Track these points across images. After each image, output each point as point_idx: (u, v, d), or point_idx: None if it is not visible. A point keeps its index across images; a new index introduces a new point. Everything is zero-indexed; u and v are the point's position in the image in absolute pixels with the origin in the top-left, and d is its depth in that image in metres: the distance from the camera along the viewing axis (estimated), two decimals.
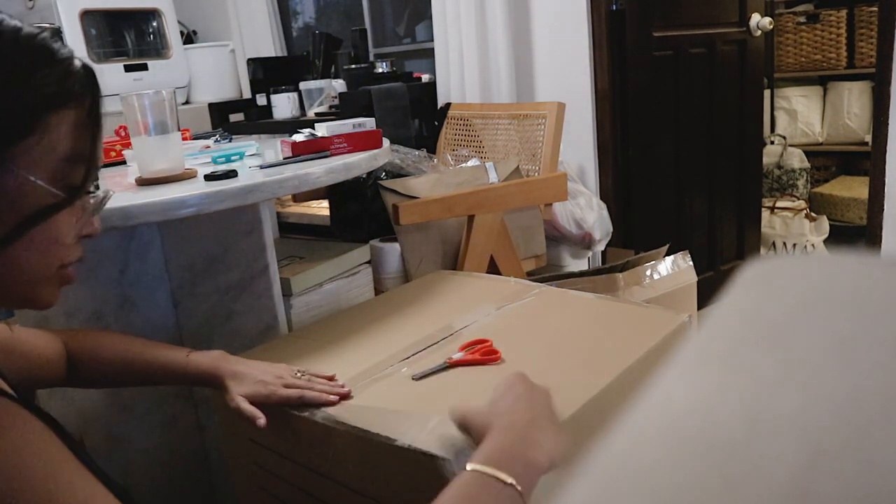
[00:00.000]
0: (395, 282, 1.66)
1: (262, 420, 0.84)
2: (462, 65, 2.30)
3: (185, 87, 2.91)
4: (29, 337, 0.85)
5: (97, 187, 0.70)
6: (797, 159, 3.17)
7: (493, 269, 1.73)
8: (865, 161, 2.71)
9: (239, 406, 0.84)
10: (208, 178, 1.07)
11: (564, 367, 0.93)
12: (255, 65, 2.71)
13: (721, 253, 2.47)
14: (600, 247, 2.10)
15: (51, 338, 0.88)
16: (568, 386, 0.87)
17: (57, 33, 0.64)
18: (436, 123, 2.31)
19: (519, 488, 0.58)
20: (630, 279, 1.51)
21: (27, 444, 0.53)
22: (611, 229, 2.10)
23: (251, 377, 0.87)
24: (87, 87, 0.62)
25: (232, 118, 2.74)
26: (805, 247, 2.77)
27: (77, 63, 0.62)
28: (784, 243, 2.80)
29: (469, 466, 0.60)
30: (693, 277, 1.57)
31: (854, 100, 3.19)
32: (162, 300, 1.25)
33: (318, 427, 0.84)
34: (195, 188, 1.01)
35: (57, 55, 0.61)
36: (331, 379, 0.89)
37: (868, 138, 2.96)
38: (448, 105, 2.31)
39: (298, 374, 0.89)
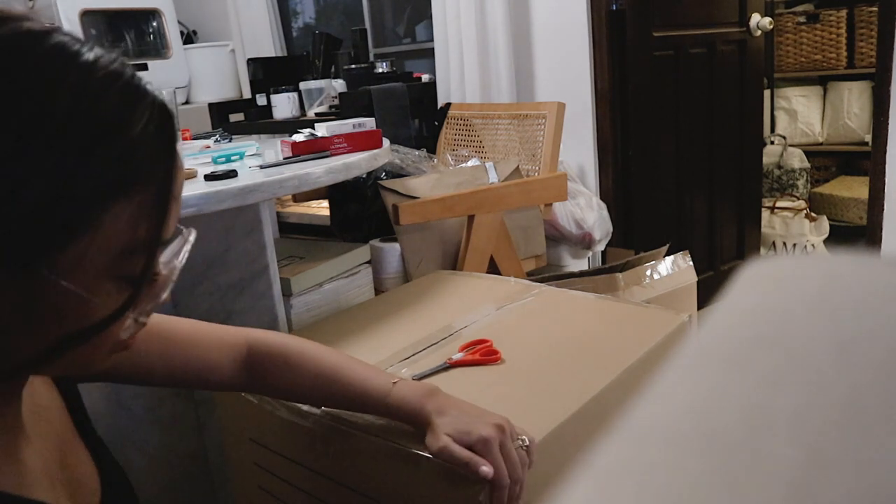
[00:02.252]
0: (395, 282, 1.66)
1: (486, 468, 0.64)
2: (462, 65, 2.30)
3: (185, 87, 2.91)
4: (199, 333, 0.72)
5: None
6: (797, 159, 3.17)
7: (493, 269, 1.73)
8: (865, 161, 2.71)
9: (447, 448, 0.66)
10: (208, 178, 1.07)
11: (564, 367, 0.93)
12: (255, 65, 2.72)
13: (721, 253, 2.47)
14: (600, 247, 2.10)
15: (229, 336, 0.74)
16: (568, 386, 0.87)
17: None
18: (436, 123, 2.31)
19: None
20: (630, 279, 1.51)
21: None
22: (611, 229, 2.10)
23: (462, 418, 0.69)
24: (162, 154, 0.45)
25: (232, 118, 2.74)
26: (805, 247, 2.77)
27: (156, 112, 0.45)
28: (784, 243, 2.80)
29: None
30: (693, 277, 1.57)
31: (854, 100, 3.19)
32: None
33: (318, 427, 0.84)
34: (195, 188, 1.01)
35: (140, 104, 0.44)
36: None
37: (868, 138, 2.96)
38: (448, 105, 2.31)
39: (520, 443, 0.69)
